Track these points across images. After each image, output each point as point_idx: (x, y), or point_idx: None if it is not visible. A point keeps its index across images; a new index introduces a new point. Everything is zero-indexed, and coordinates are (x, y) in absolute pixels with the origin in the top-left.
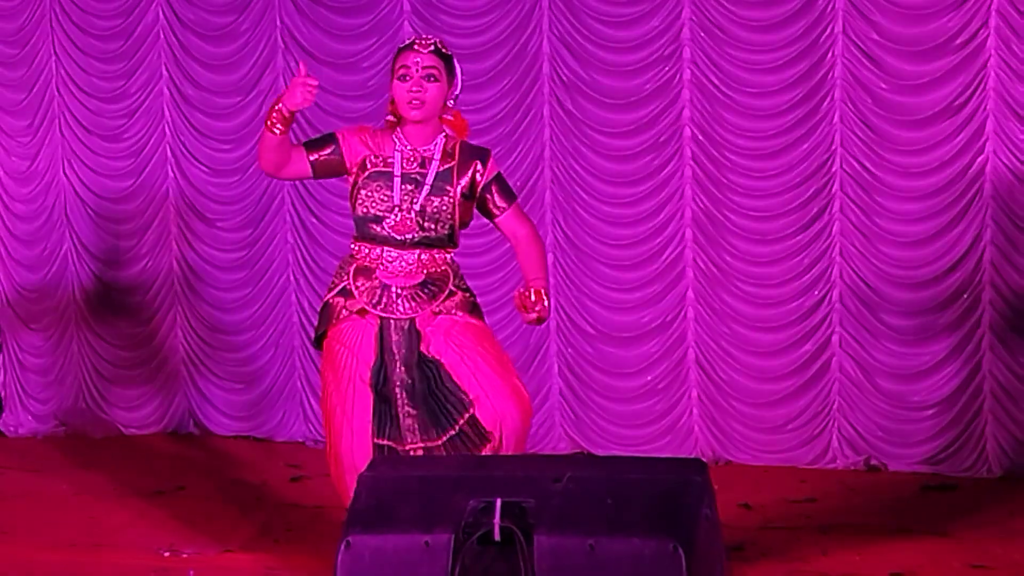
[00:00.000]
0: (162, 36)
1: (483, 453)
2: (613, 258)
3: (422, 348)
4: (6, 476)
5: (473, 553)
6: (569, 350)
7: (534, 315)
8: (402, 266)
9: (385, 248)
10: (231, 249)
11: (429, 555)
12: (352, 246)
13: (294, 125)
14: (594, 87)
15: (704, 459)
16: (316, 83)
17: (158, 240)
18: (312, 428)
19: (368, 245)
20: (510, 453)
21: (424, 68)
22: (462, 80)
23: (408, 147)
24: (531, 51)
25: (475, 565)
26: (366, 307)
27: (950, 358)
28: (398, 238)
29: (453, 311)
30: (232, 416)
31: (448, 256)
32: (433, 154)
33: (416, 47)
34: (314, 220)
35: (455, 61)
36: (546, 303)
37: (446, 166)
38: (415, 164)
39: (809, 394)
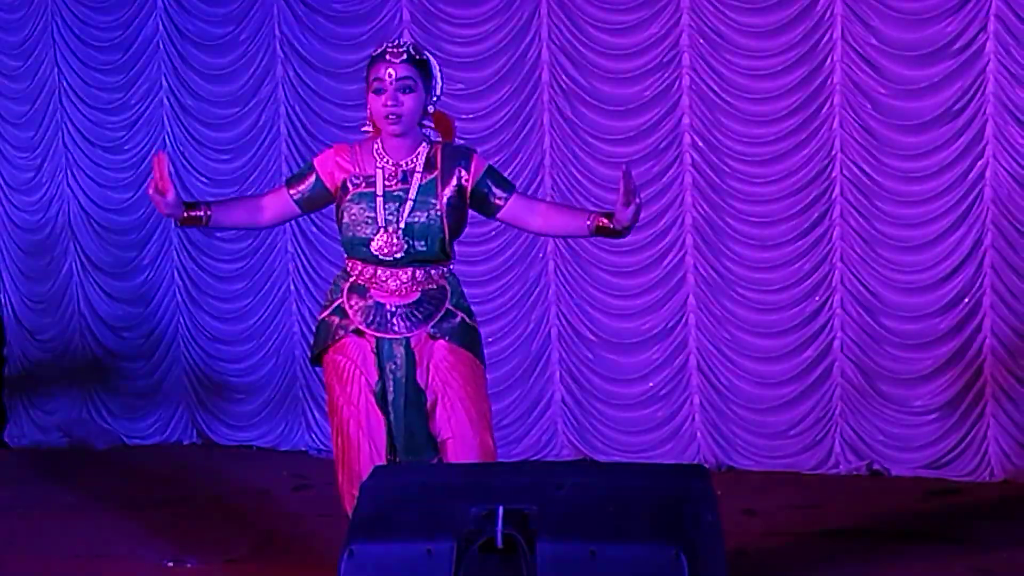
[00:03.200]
0: (162, 47)
1: None
2: (614, 265)
3: (416, 374)
4: (9, 487)
5: (476, 561)
6: (571, 357)
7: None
8: (395, 285)
9: (377, 268)
10: (231, 259)
11: (432, 563)
12: (347, 263)
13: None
14: (594, 94)
15: (706, 465)
16: (165, 190)
17: (160, 251)
18: (315, 438)
19: (361, 264)
20: None
21: (398, 80)
22: (461, 87)
23: (390, 162)
24: (530, 59)
25: (478, 572)
26: (360, 327)
27: (952, 362)
28: (387, 259)
29: (448, 338)
30: (234, 426)
31: (444, 270)
32: (415, 167)
33: (388, 57)
34: (314, 229)
35: (431, 63)
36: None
37: (429, 178)
38: (397, 180)
39: (811, 399)
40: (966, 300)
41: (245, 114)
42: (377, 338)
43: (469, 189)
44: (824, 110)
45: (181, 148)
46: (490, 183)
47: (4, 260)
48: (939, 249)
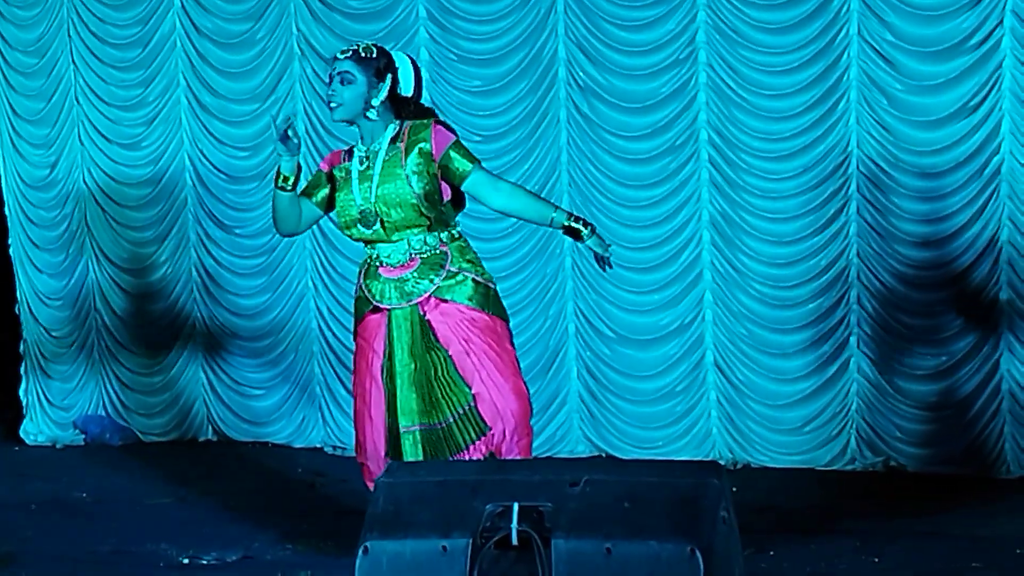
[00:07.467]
0: (179, 44)
1: (480, 445)
2: (631, 261)
3: (435, 335)
4: (26, 484)
5: (491, 557)
6: (588, 353)
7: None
8: (394, 258)
9: (376, 245)
10: (249, 255)
11: (447, 560)
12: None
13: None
14: (610, 91)
15: (722, 461)
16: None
17: (177, 247)
18: (331, 434)
19: (367, 247)
20: (510, 448)
21: (338, 73)
22: (478, 84)
23: (364, 149)
24: (547, 55)
25: (493, 569)
26: (377, 304)
27: (968, 358)
28: (370, 231)
29: (459, 299)
30: (251, 422)
31: (443, 236)
32: (381, 146)
33: (336, 56)
34: (332, 225)
35: (383, 60)
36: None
37: (392, 152)
38: (368, 161)
39: (827, 395)
40: (982, 296)
41: (263, 111)
42: (390, 310)
43: (437, 157)
44: (840, 106)
45: (199, 145)
46: (452, 154)
47: (21, 257)
48: (955, 245)
